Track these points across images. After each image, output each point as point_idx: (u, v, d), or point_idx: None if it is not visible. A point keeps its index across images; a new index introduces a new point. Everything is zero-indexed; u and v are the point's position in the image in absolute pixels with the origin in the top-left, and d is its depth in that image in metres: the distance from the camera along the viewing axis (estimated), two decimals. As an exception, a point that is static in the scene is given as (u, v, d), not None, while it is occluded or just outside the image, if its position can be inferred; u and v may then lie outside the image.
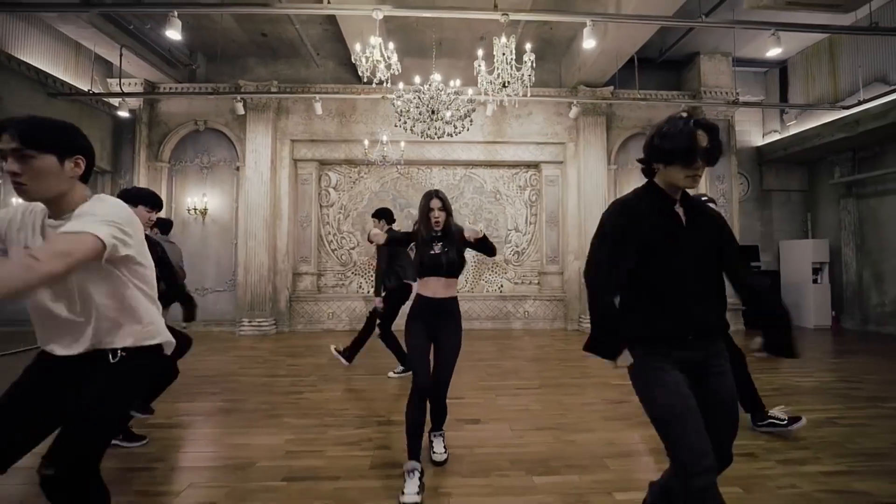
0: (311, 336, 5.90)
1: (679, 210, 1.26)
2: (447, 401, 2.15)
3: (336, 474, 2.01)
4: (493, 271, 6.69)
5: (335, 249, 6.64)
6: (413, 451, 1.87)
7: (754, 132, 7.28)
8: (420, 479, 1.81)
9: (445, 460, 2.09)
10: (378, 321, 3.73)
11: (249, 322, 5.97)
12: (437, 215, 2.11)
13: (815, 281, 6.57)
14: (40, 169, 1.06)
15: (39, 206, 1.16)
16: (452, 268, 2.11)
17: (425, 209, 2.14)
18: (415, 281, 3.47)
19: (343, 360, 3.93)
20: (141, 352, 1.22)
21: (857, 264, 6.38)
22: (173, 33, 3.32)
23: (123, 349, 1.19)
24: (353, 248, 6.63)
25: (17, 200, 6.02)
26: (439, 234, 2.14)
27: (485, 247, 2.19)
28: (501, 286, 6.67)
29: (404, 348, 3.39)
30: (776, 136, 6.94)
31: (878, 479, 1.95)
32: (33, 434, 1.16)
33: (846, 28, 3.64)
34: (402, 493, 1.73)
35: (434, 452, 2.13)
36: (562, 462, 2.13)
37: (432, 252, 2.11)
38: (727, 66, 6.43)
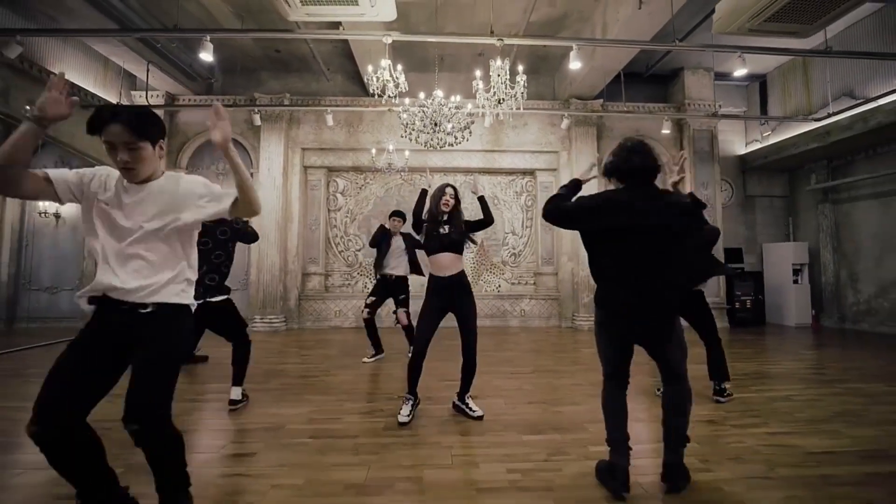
0: (320, 332, 6.25)
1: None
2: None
3: (354, 434, 2.36)
4: (491, 272, 7.07)
5: (342, 251, 7.02)
6: (410, 387, 2.53)
7: (738, 141, 7.71)
8: (412, 406, 2.52)
9: (483, 415, 2.54)
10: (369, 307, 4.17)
11: (261, 319, 6.32)
12: (448, 200, 2.60)
13: (795, 281, 6.95)
14: (143, 155, 1.31)
15: (115, 172, 1.37)
16: (457, 244, 2.59)
17: (439, 193, 2.62)
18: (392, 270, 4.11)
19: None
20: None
21: (835, 265, 6.76)
22: (206, 56, 3.73)
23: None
24: (358, 250, 7.00)
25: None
26: (446, 217, 2.60)
27: (485, 211, 2.72)
28: (499, 286, 7.04)
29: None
30: (757, 146, 7.37)
31: (812, 437, 2.31)
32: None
33: (805, 51, 4.06)
34: (399, 413, 2.50)
35: (473, 410, 2.56)
36: (548, 426, 2.49)
37: (441, 231, 2.58)
38: (709, 80, 6.88)
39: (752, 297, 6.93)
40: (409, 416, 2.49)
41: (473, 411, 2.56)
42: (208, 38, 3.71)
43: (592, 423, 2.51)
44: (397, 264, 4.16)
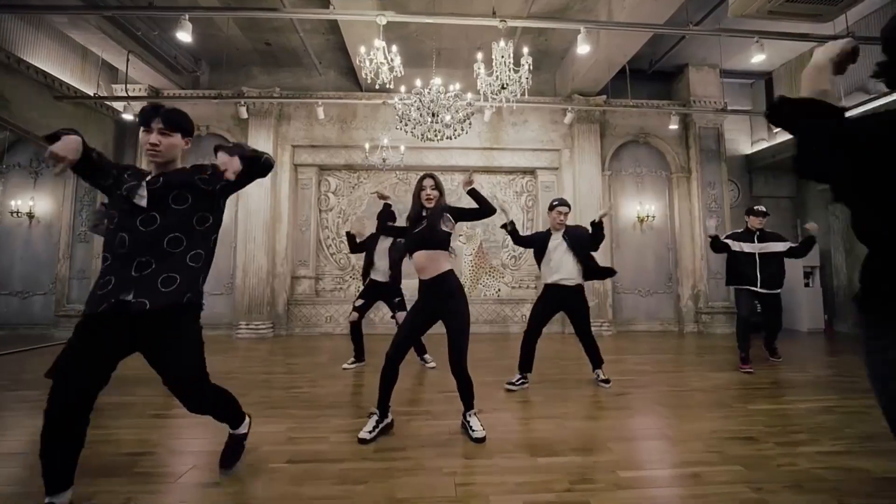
0: (309, 339, 5.87)
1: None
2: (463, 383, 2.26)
3: (339, 457, 2.00)
4: (490, 275, 6.74)
5: (334, 253, 6.67)
6: (380, 400, 2.22)
7: (742, 141, 7.51)
8: (376, 423, 2.20)
9: (484, 437, 2.15)
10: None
11: (247, 325, 5.93)
12: (430, 193, 2.27)
13: (806, 285, 6.69)
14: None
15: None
16: (430, 239, 2.23)
17: (418, 188, 2.31)
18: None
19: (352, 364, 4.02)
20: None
21: (847, 268, 6.52)
22: (184, 35, 3.42)
23: None
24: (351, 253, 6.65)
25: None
26: (430, 213, 2.28)
27: (481, 203, 2.30)
28: (499, 290, 6.71)
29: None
30: (764, 144, 7.17)
31: (875, 457, 1.98)
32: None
33: (825, 37, 3.83)
34: (362, 429, 2.18)
35: (472, 430, 2.19)
36: (565, 445, 2.14)
37: (419, 228, 2.27)
38: (715, 76, 6.69)
39: (763, 301, 6.64)
40: (370, 433, 2.16)
41: (473, 431, 2.19)
42: (187, 16, 3.41)
43: (616, 442, 2.18)
44: (381, 266, 3.85)
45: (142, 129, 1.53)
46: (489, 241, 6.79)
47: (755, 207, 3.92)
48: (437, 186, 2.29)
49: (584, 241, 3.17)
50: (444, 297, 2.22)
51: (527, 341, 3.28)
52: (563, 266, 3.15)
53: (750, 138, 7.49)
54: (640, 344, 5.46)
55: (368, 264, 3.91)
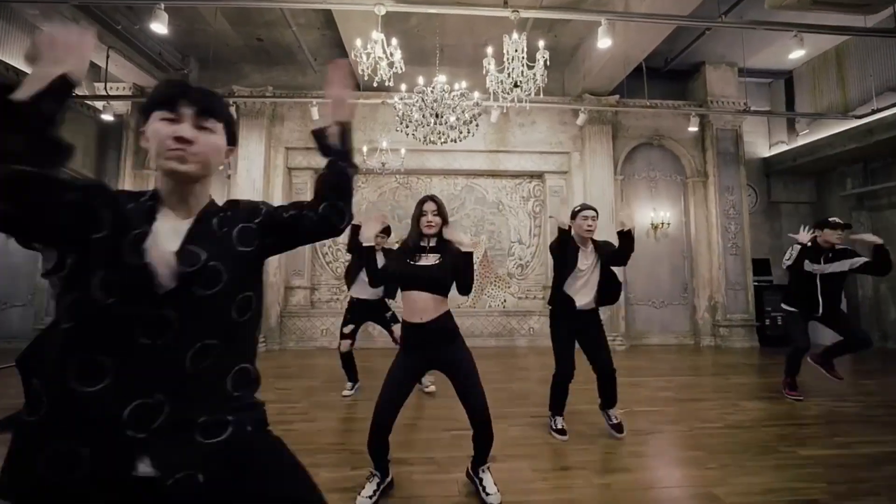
0: (303, 354, 5.52)
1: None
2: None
3: (327, 533, 1.65)
4: (495, 285, 6.39)
5: (330, 262, 6.32)
6: (378, 463, 1.90)
7: (760, 144, 7.16)
8: (378, 484, 1.88)
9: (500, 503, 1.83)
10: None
11: (237, 339, 5.58)
12: (431, 220, 1.91)
13: (829, 296, 6.33)
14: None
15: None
16: (443, 284, 1.88)
17: (417, 213, 1.95)
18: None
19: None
20: None
21: (873, 278, 6.16)
22: (159, 27, 3.07)
23: None
24: (348, 261, 6.30)
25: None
26: (433, 242, 1.93)
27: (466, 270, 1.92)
28: (504, 301, 6.36)
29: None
30: (783, 147, 6.82)
31: (979, 536, 1.63)
32: None
33: (867, 30, 3.50)
34: (360, 493, 1.86)
35: (487, 493, 1.85)
36: (598, 514, 1.80)
37: (422, 263, 1.89)
38: (733, 75, 6.33)
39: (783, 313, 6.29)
40: (372, 496, 1.85)
41: (488, 494, 1.84)
42: (163, 5, 3.05)
43: (658, 508, 1.83)
44: (365, 287, 3.34)
45: (156, 114, 0.77)
46: (494, 250, 6.44)
47: (831, 220, 3.39)
48: (440, 212, 1.93)
49: (612, 259, 2.63)
50: (444, 341, 1.89)
51: (563, 387, 2.73)
52: (588, 288, 2.61)
53: (768, 141, 7.14)
54: (658, 361, 5.10)
55: (354, 276, 3.44)
